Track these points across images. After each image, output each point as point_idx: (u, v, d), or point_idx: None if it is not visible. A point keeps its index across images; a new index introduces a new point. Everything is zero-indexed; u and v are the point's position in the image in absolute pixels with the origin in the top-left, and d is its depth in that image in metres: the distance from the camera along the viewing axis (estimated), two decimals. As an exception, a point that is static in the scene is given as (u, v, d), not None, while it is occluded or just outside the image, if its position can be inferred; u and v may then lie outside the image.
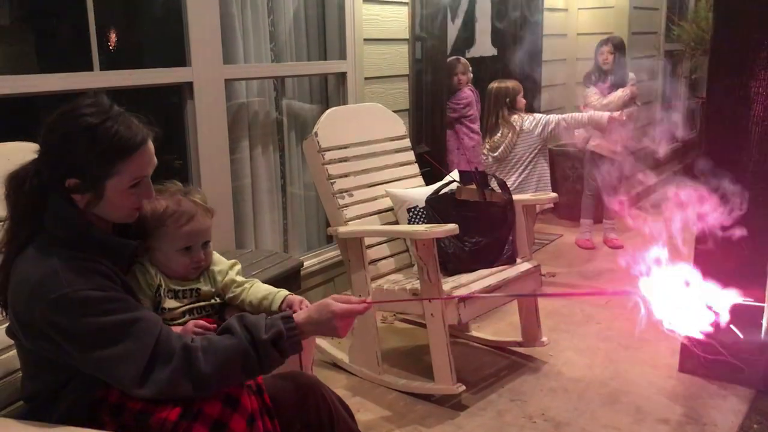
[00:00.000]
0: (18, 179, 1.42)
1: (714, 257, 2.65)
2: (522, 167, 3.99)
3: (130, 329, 1.36)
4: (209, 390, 1.40)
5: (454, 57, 4.55)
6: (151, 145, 1.45)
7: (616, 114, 4.31)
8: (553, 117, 3.99)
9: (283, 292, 1.75)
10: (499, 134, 4.00)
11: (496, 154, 4.02)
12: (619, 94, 4.52)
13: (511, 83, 4.03)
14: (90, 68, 2.63)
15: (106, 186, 1.40)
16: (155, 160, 1.48)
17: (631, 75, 4.62)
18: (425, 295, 2.62)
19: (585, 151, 4.74)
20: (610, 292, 3.13)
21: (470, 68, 4.50)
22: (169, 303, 1.63)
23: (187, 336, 1.44)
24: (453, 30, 4.71)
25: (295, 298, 1.74)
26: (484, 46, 5.02)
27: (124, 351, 1.35)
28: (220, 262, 1.76)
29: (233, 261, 1.80)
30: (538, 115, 4.02)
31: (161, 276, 1.63)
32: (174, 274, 1.65)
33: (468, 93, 4.47)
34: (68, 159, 1.38)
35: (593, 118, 4.17)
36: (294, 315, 1.48)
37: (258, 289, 1.75)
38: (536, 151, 3.99)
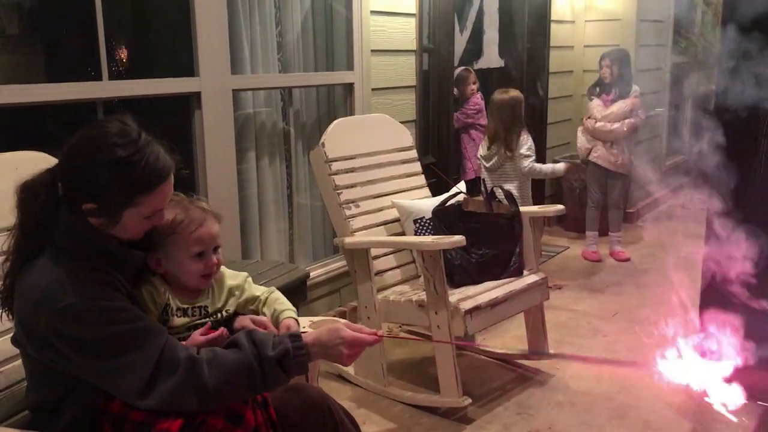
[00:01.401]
0: (33, 191, 1.41)
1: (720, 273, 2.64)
2: (509, 181, 3.93)
3: (134, 339, 1.36)
4: (213, 404, 1.39)
5: (464, 68, 4.56)
6: (171, 180, 1.45)
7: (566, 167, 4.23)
8: (526, 163, 3.92)
9: (286, 314, 1.73)
10: (494, 147, 3.98)
11: (488, 164, 4.01)
12: (620, 105, 4.54)
13: (513, 93, 4.00)
14: (99, 78, 2.64)
15: (123, 215, 1.41)
16: (173, 190, 1.48)
17: (635, 87, 4.62)
18: (431, 307, 2.61)
19: (587, 162, 4.73)
20: (626, 363, 3.17)
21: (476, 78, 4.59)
22: (177, 321, 1.61)
23: (193, 348, 1.43)
24: (461, 41, 4.71)
25: (293, 324, 1.70)
26: (491, 58, 5.02)
27: (128, 361, 1.34)
28: (234, 277, 1.75)
29: (245, 274, 1.78)
30: (524, 148, 3.94)
31: (170, 294, 1.61)
32: (187, 284, 1.62)
33: (479, 100, 4.56)
34: (90, 186, 1.38)
35: (555, 171, 4.12)
36: (303, 335, 1.46)
37: (269, 306, 1.74)
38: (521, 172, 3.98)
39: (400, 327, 3.57)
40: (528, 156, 3.94)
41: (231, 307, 1.71)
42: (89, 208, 1.39)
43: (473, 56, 4.88)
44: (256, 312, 1.74)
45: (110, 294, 1.38)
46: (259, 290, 1.77)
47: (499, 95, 4.00)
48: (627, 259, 4.75)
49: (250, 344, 1.40)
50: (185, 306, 1.62)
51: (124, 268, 1.47)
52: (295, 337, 1.44)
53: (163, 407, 1.36)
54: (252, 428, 1.45)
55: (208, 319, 1.67)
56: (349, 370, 3.01)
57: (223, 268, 1.75)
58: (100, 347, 1.34)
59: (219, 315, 1.68)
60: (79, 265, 1.37)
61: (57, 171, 1.42)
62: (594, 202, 4.79)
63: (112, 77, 2.68)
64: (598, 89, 4.70)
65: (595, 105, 4.65)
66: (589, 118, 4.67)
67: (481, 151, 4.09)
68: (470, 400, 2.66)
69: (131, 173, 1.37)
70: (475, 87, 4.57)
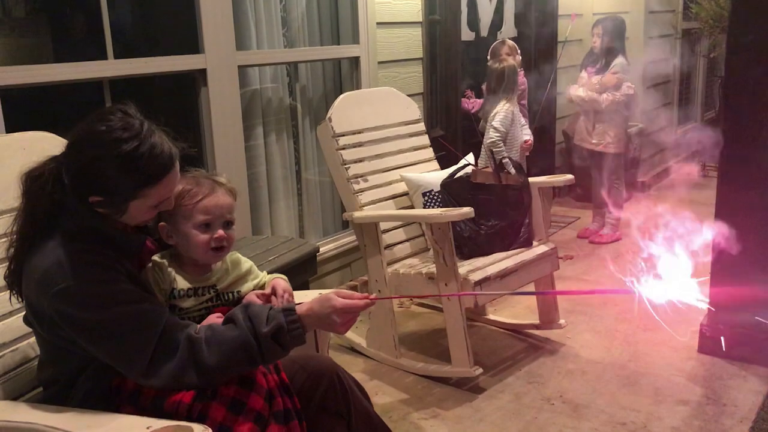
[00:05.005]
0: (40, 181, 1.42)
1: (731, 238, 2.63)
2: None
3: (133, 322, 1.38)
4: (214, 381, 1.41)
5: (500, 41, 4.27)
6: (177, 168, 1.45)
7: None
8: (492, 135, 3.69)
9: (275, 276, 1.74)
10: (480, 112, 3.88)
11: (478, 127, 3.87)
12: (601, 78, 4.32)
13: (506, 63, 3.80)
14: (104, 57, 2.64)
15: (129, 206, 1.42)
16: (179, 177, 1.48)
17: (618, 61, 4.31)
18: (441, 279, 2.62)
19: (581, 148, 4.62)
20: (609, 290, 3.10)
21: (518, 50, 4.17)
22: (186, 302, 1.60)
23: (193, 325, 1.45)
24: (489, 10, 4.63)
25: (279, 283, 1.71)
26: (508, 27, 4.95)
27: (128, 344, 1.37)
28: (247, 262, 1.74)
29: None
30: (495, 120, 3.71)
31: (176, 277, 1.60)
32: (196, 258, 1.61)
33: (522, 79, 4.19)
34: (95, 180, 1.38)
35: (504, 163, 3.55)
36: (297, 306, 1.47)
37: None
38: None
39: (411, 300, 3.60)
40: (497, 129, 3.70)
41: (243, 289, 1.70)
42: (95, 201, 1.40)
43: (497, 26, 4.81)
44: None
45: (110, 276, 1.39)
46: (261, 274, 1.78)
47: (493, 63, 3.90)
48: (613, 241, 4.52)
49: (246, 320, 1.42)
50: (194, 286, 1.61)
51: (127, 251, 1.48)
52: (289, 311, 1.45)
53: (166, 386, 1.39)
54: (265, 391, 1.48)
55: (214, 297, 1.65)
56: (362, 342, 3.04)
57: (237, 253, 1.75)
58: (99, 328, 1.36)
59: (231, 295, 1.67)
60: (80, 247, 1.39)
61: (62, 161, 1.42)
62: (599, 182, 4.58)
63: (117, 56, 2.68)
64: (588, 59, 4.51)
65: (582, 76, 4.47)
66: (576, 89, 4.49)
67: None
68: (481, 370, 2.68)
69: (136, 167, 1.37)
70: (511, 60, 4.00)
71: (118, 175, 1.37)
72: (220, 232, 1.59)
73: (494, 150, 3.70)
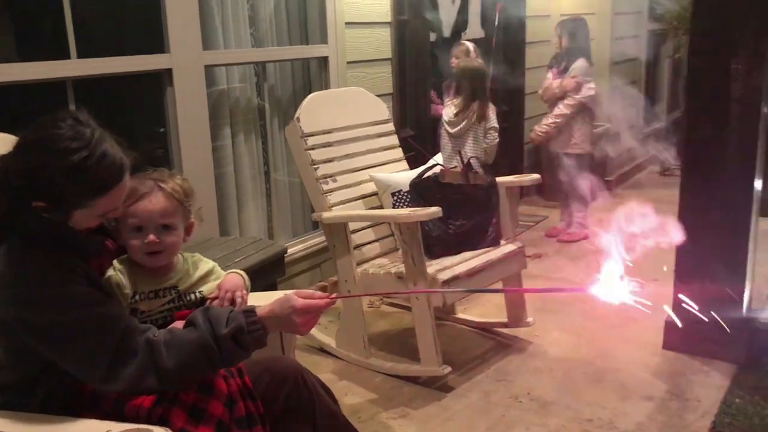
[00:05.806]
0: None
1: (695, 236, 2.68)
2: (470, 150, 3.79)
3: (92, 326, 1.35)
4: (174, 383, 1.40)
5: (459, 41, 4.34)
6: (126, 180, 1.42)
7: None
8: (496, 137, 3.80)
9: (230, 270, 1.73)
10: (462, 114, 3.80)
11: (453, 130, 3.85)
12: (554, 85, 4.44)
13: (478, 64, 3.86)
14: (67, 56, 2.60)
15: (74, 214, 1.39)
16: (128, 187, 1.45)
17: (577, 65, 4.38)
18: (410, 279, 2.62)
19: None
20: (568, 288, 3.13)
21: (470, 52, 4.16)
22: (149, 305, 1.57)
23: (152, 329, 1.43)
24: (452, 11, 4.65)
25: (231, 277, 1.69)
26: (475, 28, 4.98)
27: (86, 349, 1.35)
28: (208, 263, 1.72)
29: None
30: (494, 121, 3.80)
31: (137, 281, 1.57)
32: (135, 260, 1.58)
33: None
34: (40, 187, 1.35)
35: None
36: (258, 308, 1.46)
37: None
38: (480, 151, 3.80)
39: (381, 300, 3.60)
40: (497, 129, 3.82)
41: (206, 289, 1.68)
42: (39, 207, 1.36)
43: (462, 27, 4.83)
44: None
45: (68, 278, 1.36)
46: (223, 274, 1.76)
47: (469, 63, 3.89)
48: (581, 239, 4.56)
49: (206, 322, 1.40)
50: (155, 288, 1.58)
51: (85, 253, 1.45)
52: (249, 312, 1.44)
53: (126, 391, 1.37)
54: (225, 396, 1.46)
55: (176, 298, 1.62)
56: (331, 342, 3.04)
57: (197, 254, 1.74)
58: (58, 332, 1.34)
59: (193, 296, 1.65)
60: (35, 252, 1.36)
61: (8, 162, 1.38)
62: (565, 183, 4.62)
63: (81, 56, 2.64)
64: (554, 60, 4.58)
65: (548, 77, 4.54)
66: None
67: (447, 116, 3.89)
68: (450, 369, 2.69)
69: (83, 178, 1.34)
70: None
71: (64, 184, 1.34)
72: (151, 237, 1.54)
73: (491, 151, 3.79)
